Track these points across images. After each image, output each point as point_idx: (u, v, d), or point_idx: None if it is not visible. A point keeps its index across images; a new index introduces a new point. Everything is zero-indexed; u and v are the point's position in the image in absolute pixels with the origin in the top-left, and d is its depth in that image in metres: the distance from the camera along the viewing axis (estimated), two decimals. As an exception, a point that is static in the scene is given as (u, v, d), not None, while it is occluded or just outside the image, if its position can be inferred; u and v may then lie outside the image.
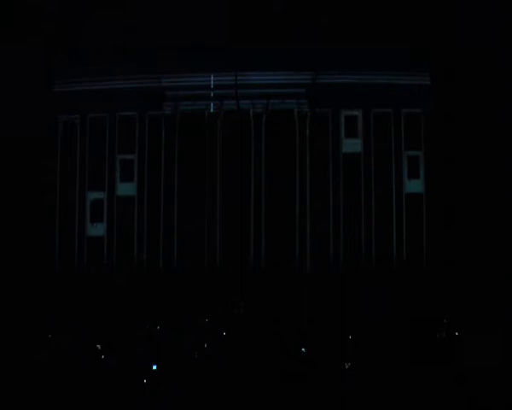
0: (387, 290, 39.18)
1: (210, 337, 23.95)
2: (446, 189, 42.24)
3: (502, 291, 36.84)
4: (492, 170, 40.95)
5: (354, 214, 43.87)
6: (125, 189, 45.05)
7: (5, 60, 40.54)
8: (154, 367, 17.19)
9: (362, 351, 19.99)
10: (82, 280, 42.32)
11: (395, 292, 38.85)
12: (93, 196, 45.28)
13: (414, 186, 43.67)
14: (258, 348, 20.85)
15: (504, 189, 40.36)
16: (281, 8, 42.10)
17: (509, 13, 39.26)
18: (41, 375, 16.30)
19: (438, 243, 42.12)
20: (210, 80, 43.57)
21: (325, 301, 38.27)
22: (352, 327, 27.11)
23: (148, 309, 35.49)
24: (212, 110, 44.00)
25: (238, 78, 42.73)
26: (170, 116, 44.17)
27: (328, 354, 19.86)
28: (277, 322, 29.38)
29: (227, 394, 15.45)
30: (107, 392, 15.22)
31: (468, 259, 39.78)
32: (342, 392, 15.44)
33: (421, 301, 37.46)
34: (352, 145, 44.13)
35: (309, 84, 43.42)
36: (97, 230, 45.07)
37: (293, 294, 39.98)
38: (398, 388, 15.60)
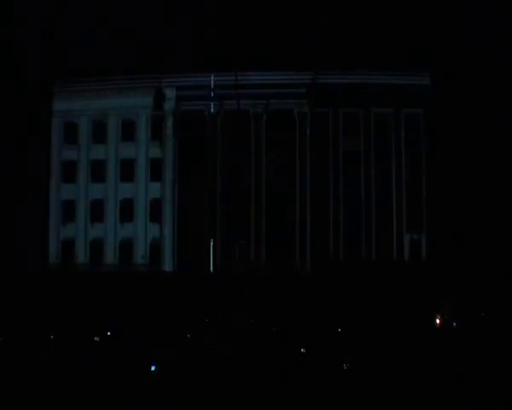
0: (387, 290, 39.16)
1: (209, 338, 23.98)
2: (446, 188, 42.23)
3: (502, 290, 36.82)
4: (492, 169, 40.96)
5: (354, 214, 43.90)
6: (126, 189, 45.07)
7: (5, 59, 40.52)
8: (153, 368, 17.14)
9: (361, 351, 20.01)
10: (82, 280, 42.31)
11: (395, 292, 38.82)
12: (93, 196, 45.28)
13: (413, 186, 43.67)
14: (258, 348, 20.87)
15: (505, 188, 40.36)
16: (281, 8, 42.07)
17: (509, 13, 39.25)
18: (41, 375, 16.32)
19: (438, 243, 42.12)
20: (210, 80, 43.58)
21: (325, 301, 38.25)
22: (352, 327, 27.14)
23: (148, 310, 35.51)
24: (212, 110, 44.01)
25: (238, 78, 42.72)
26: (170, 116, 44.20)
27: (327, 355, 19.87)
28: (277, 322, 29.40)
29: (226, 394, 15.44)
30: (106, 392, 15.24)
31: (468, 258, 39.77)
32: (342, 392, 15.44)
33: (420, 300, 37.44)
34: (351, 145, 44.15)
35: (309, 84, 43.42)
36: (97, 230, 45.08)
37: (293, 294, 39.95)
38: (398, 388, 15.61)
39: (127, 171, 45.02)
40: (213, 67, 43.18)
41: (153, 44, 42.08)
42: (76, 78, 44.48)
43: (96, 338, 23.45)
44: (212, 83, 43.58)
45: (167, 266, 43.66)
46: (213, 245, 43.51)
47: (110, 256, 44.72)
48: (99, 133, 45.52)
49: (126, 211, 44.84)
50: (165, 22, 42.00)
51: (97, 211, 45.02)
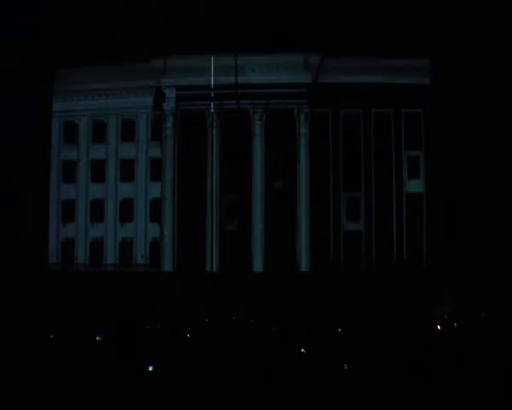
0: (387, 290, 39.15)
1: (209, 338, 24.00)
2: (446, 189, 42.23)
3: (502, 290, 36.83)
4: (492, 170, 40.94)
5: (354, 214, 43.92)
6: (126, 189, 45.09)
7: (4, 58, 40.50)
8: (150, 368, 17.10)
9: (362, 351, 20.02)
10: (82, 280, 42.30)
11: (395, 292, 38.82)
12: (93, 196, 45.31)
13: (414, 186, 43.71)
14: (258, 348, 20.89)
15: (504, 188, 40.35)
16: (281, 8, 42.02)
17: (509, 13, 39.23)
18: (40, 375, 16.32)
19: (438, 243, 42.13)
20: (210, 80, 43.55)
21: (325, 301, 38.24)
22: (352, 327, 27.15)
23: (148, 309, 35.51)
24: (212, 110, 43.98)
25: (238, 78, 42.71)
26: (170, 116, 44.13)
27: (327, 355, 19.88)
28: (277, 322, 29.41)
29: (225, 394, 15.43)
30: (105, 392, 15.25)
31: (468, 258, 39.77)
32: (342, 392, 15.44)
33: (421, 300, 37.44)
34: (352, 145, 44.19)
35: (309, 84, 43.41)
36: (97, 230, 45.10)
37: (293, 294, 39.94)
38: (398, 388, 15.61)
39: (127, 171, 45.08)
40: (213, 66, 43.20)
41: (152, 44, 42.07)
42: (76, 77, 44.52)
43: (98, 338, 23.46)
44: (212, 83, 43.56)
45: (167, 266, 43.65)
46: (213, 245, 43.49)
47: (110, 256, 44.75)
48: (99, 133, 45.58)
49: (126, 211, 44.90)
50: (165, 21, 41.96)
51: (97, 211, 45.07)
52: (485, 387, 15.50)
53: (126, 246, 44.82)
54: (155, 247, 44.43)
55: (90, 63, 43.65)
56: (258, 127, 43.86)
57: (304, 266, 43.01)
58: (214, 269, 43.17)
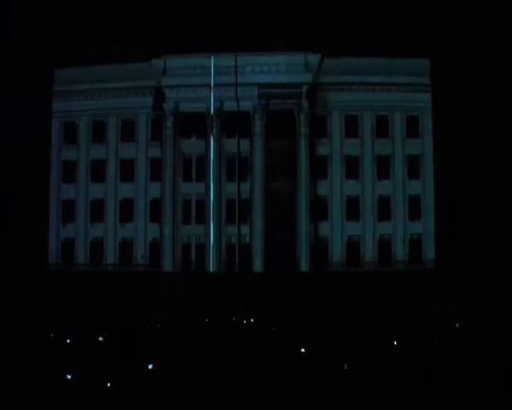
0: (387, 290, 39.14)
1: (209, 338, 24.00)
2: (446, 189, 42.21)
3: (502, 290, 36.82)
4: (492, 170, 40.91)
5: (354, 214, 43.91)
6: (126, 189, 45.08)
7: (4, 58, 40.48)
8: (150, 367, 17.14)
9: (362, 351, 20.02)
10: (82, 280, 42.29)
11: (395, 292, 38.81)
12: (93, 196, 45.29)
13: (414, 186, 43.70)
14: (258, 348, 20.90)
15: (504, 189, 40.33)
16: (281, 8, 42.00)
17: (509, 13, 39.21)
18: (40, 376, 16.31)
19: (438, 243, 42.11)
20: (210, 80, 43.54)
21: (325, 301, 38.23)
22: (352, 327, 27.14)
23: (148, 310, 35.51)
24: (212, 110, 43.95)
25: (238, 78, 42.69)
26: (170, 116, 44.09)
27: (327, 355, 19.88)
28: (277, 322, 29.41)
29: (225, 394, 15.45)
30: (105, 391, 15.26)
31: (468, 258, 39.75)
32: (342, 392, 15.44)
33: (421, 300, 37.43)
34: (352, 145, 44.18)
35: (309, 84, 43.39)
36: (97, 230, 45.09)
37: (293, 294, 39.93)
38: (399, 388, 15.61)
39: (127, 171, 45.06)
40: (213, 66, 43.18)
41: (152, 44, 42.05)
42: (76, 77, 44.48)
43: (101, 338, 23.46)
44: (212, 83, 43.54)
45: (167, 266, 43.65)
46: (213, 245, 43.48)
47: (110, 256, 44.75)
48: (99, 133, 45.57)
49: (126, 211, 44.89)
50: (165, 21, 41.93)
51: (97, 211, 45.05)
52: (485, 387, 15.50)
53: (126, 246, 44.81)
54: (155, 247, 44.42)
55: (90, 63, 43.61)
56: (258, 127, 43.84)
57: (304, 266, 43.00)
58: (214, 269, 43.16)
